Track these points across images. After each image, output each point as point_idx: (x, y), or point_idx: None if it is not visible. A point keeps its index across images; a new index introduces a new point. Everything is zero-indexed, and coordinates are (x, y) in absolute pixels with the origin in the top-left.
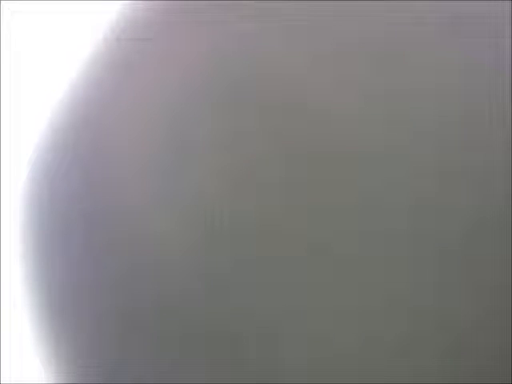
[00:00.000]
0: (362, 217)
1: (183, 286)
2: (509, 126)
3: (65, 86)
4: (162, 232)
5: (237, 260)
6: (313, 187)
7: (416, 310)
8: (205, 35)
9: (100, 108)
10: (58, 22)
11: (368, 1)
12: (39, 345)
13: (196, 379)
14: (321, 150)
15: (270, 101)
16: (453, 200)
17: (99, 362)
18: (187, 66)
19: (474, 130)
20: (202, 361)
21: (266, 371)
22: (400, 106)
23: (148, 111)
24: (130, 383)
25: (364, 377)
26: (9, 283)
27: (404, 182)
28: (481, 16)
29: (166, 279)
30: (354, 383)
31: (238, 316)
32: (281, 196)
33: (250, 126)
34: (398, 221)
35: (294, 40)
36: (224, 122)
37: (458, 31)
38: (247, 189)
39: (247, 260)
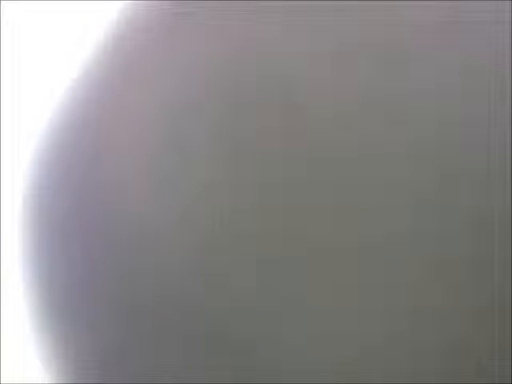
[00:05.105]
0: (361, 217)
1: (183, 286)
2: (509, 126)
3: (65, 86)
4: (161, 232)
5: (237, 260)
6: (313, 187)
7: (416, 310)
8: (205, 35)
9: (100, 108)
10: (58, 22)
11: (368, 1)
12: (39, 345)
13: (196, 379)
14: (321, 149)
15: (270, 101)
16: (453, 200)
17: (99, 362)
18: (187, 66)
19: (474, 130)
20: (201, 361)
21: (266, 371)
22: (400, 106)
23: (148, 111)
24: (129, 383)
25: (364, 376)
26: (9, 283)
27: (404, 182)
28: (481, 16)
29: (166, 279)
30: (354, 383)
31: (238, 316)
32: (281, 196)
33: (249, 126)
34: (398, 221)
35: (294, 40)
36: (224, 122)
37: (457, 31)
38: (247, 189)
39: (247, 260)
